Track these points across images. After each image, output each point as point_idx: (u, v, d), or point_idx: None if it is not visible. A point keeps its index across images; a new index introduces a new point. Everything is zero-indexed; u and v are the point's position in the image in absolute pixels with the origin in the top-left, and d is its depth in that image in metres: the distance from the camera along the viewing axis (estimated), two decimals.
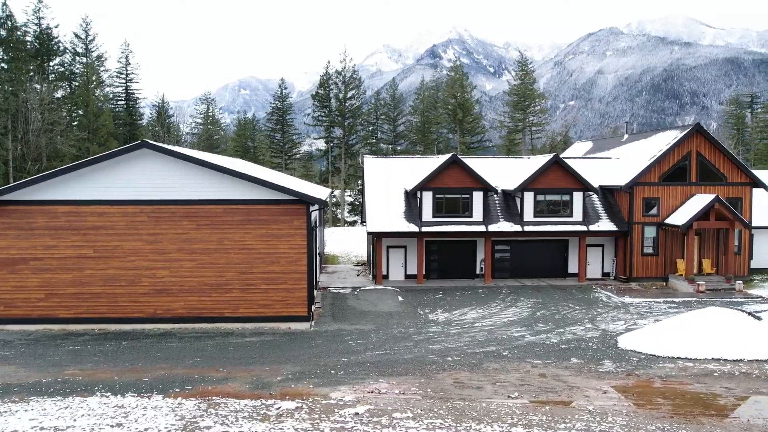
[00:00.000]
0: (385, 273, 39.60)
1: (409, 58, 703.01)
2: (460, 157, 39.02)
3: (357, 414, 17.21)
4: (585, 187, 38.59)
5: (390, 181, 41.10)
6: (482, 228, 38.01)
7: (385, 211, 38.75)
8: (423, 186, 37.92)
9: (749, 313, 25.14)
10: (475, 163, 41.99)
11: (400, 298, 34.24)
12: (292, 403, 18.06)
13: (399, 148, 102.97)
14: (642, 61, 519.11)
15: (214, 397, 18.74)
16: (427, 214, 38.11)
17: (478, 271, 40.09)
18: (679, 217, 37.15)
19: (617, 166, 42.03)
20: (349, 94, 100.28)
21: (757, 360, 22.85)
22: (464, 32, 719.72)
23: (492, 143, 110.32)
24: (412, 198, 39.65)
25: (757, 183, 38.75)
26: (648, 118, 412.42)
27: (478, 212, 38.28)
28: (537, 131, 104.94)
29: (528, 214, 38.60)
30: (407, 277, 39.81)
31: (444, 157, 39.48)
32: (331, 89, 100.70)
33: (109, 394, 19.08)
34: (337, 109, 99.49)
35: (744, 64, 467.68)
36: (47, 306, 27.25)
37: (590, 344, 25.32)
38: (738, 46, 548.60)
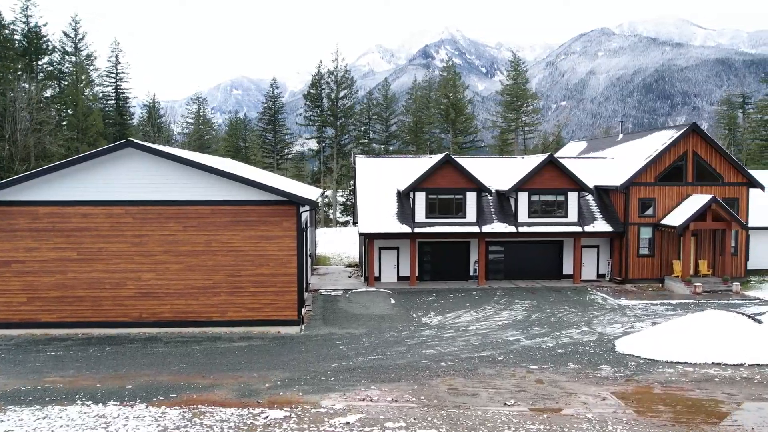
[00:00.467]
0: (377, 275, 38.92)
1: (401, 58, 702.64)
2: (453, 156, 38.37)
3: (348, 423, 16.54)
4: (580, 187, 38.04)
5: (382, 182, 40.43)
6: (476, 229, 37.40)
7: (377, 211, 38.08)
8: (416, 186, 37.28)
9: (749, 316, 24.60)
10: (468, 163, 41.36)
11: (393, 301, 33.58)
12: (280, 412, 17.37)
13: (391, 148, 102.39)
14: (633, 62, 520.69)
15: (199, 406, 18.02)
16: (420, 214, 37.46)
17: (471, 273, 39.47)
18: (676, 218, 36.64)
19: (612, 166, 41.51)
20: (341, 94, 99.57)
21: (758, 365, 22.31)
22: (456, 32, 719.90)
23: (484, 143, 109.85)
24: (404, 198, 38.99)
25: (754, 183, 38.28)
26: (640, 119, 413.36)
27: (471, 213, 37.67)
28: (530, 131, 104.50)
29: (522, 215, 38.01)
30: (400, 278, 39.15)
31: (437, 157, 38.85)
32: (323, 89, 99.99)
33: (90, 402, 18.34)
34: (329, 109, 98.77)
35: (735, 64, 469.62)
36: (29, 310, 26.45)
37: (587, 348, 24.72)
38: (729, 47, 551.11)
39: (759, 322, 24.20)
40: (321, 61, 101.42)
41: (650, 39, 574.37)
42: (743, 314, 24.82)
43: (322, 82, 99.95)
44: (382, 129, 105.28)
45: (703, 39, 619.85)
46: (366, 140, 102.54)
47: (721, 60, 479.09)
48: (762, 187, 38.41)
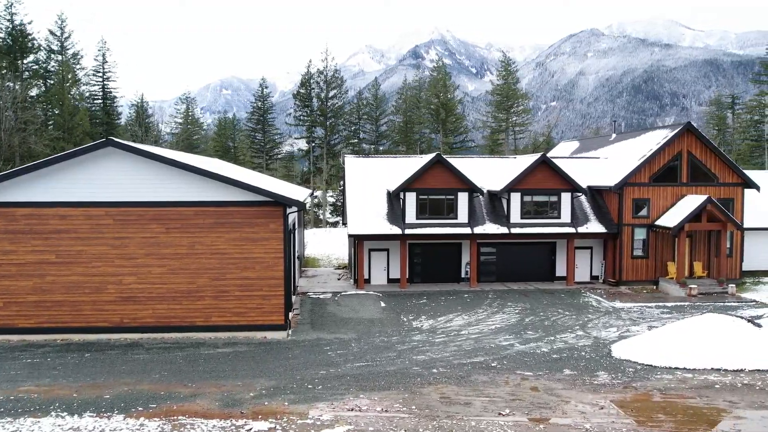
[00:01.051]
0: (366, 277, 38.13)
1: (391, 58, 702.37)
2: (444, 156, 37.58)
3: None
4: (573, 187, 37.38)
5: (372, 182, 39.64)
6: (467, 230, 36.67)
7: (367, 212, 37.29)
8: (406, 186, 36.51)
9: (748, 320, 23.97)
10: (459, 163, 40.60)
11: (383, 304, 32.80)
12: (264, 424, 16.57)
13: (381, 148, 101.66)
14: (622, 63, 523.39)
15: (179, 417, 17.19)
16: (411, 215, 36.69)
17: (463, 275, 38.74)
18: (670, 219, 36.04)
19: (606, 166, 40.89)
20: (331, 94, 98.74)
21: (758, 370, 21.67)
22: (446, 33, 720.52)
23: (475, 143, 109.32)
24: (394, 199, 38.22)
25: (749, 183, 37.73)
26: (629, 119, 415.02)
27: (463, 214, 36.93)
28: (520, 131, 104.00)
29: (515, 216, 37.32)
30: (390, 281, 38.37)
31: (428, 157, 38.08)
32: (313, 88, 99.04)
33: (65, 413, 17.47)
34: (319, 109, 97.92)
35: (723, 65, 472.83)
36: (6, 315, 25.48)
37: (583, 353, 24.01)
38: (717, 48, 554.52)
39: (759, 326, 23.58)
40: (311, 61, 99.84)
41: (639, 40, 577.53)
42: (742, 318, 24.19)
43: (312, 81, 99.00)
44: (372, 129, 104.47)
45: (692, 40, 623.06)
46: (356, 140, 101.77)
47: (710, 61, 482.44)
48: (757, 188, 37.86)
